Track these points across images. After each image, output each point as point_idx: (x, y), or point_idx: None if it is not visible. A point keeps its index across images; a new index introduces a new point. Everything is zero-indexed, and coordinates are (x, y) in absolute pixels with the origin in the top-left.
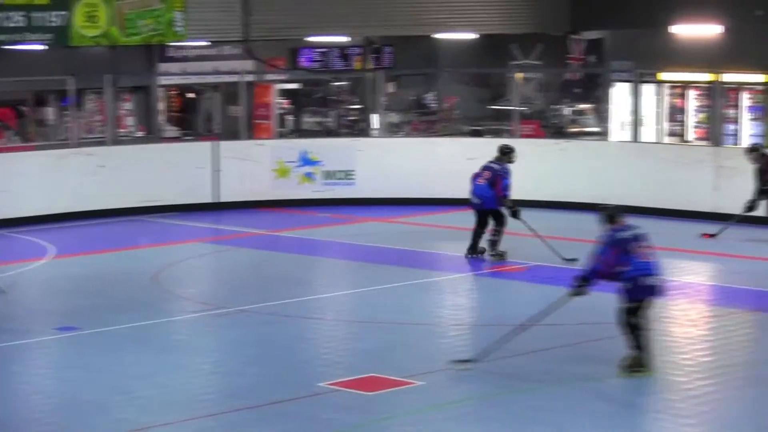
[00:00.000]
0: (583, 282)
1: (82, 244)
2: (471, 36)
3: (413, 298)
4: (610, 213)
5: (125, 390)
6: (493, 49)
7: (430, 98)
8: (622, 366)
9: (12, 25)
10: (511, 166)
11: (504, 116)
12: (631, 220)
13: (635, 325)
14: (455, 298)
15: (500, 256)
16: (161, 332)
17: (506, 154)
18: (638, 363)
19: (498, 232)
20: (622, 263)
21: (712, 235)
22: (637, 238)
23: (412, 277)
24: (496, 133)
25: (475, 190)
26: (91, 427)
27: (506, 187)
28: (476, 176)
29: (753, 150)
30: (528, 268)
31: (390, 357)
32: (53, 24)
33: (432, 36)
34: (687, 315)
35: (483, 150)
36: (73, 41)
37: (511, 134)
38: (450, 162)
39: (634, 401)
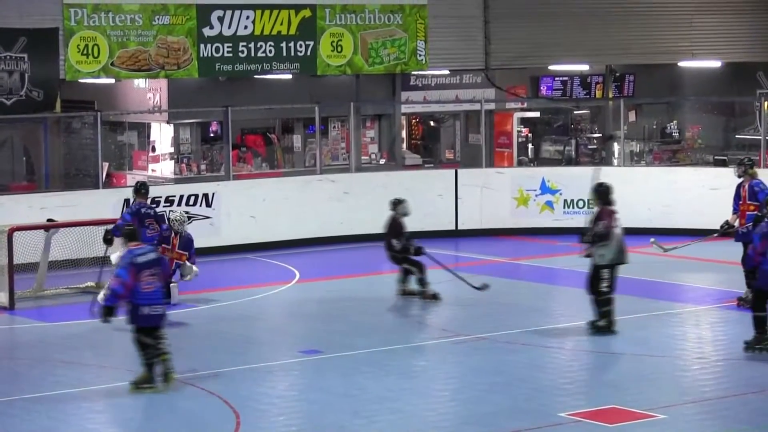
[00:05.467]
0: (108, 311)
1: (327, 269)
2: (715, 64)
3: (654, 330)
4: (130, 231)
5: (365, 414)
6: (739, 76)
7: (672, 127)
8: (132, 382)
9: (261, 55)
10: None
11: (750, 146)
12: None
13: (145, 344)
14: (699, 331)
15: None
16: (401, 357)
17: None
18: (147, 380)
19: None
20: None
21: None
22: (149, 264)
23: (653, 308)
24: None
25: None
26: None
27: None
28: None
29: None
30: None
31: (631, 389)
32: (300, 54)
33: (674, 64)
34: None
35: (727, 180)
36: (318, 70)
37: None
38: (692, 192)
39: None
